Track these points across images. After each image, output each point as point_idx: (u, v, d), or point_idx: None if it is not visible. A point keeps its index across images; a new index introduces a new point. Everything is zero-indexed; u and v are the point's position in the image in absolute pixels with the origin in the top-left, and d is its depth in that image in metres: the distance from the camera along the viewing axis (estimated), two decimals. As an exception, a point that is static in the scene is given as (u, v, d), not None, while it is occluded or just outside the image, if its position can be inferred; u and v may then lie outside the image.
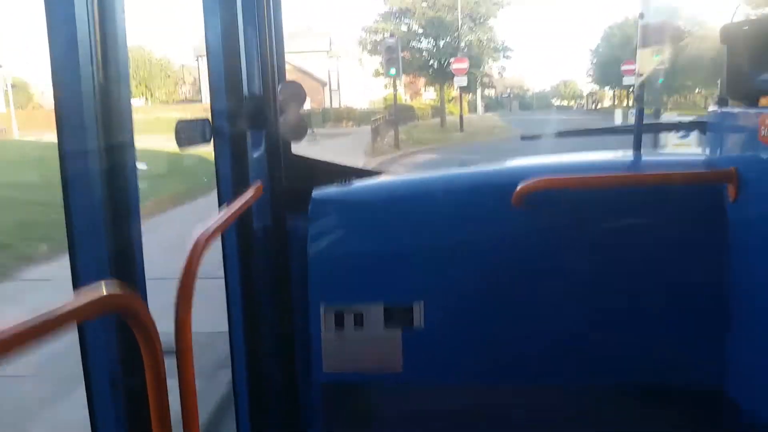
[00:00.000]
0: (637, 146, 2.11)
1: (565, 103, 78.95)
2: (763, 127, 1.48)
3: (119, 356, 1.06)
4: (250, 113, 1.69)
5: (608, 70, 51.89)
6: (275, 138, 1.75)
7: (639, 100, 2.12)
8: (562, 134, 2.30)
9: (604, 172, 1.85)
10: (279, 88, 1.79)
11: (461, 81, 28.66)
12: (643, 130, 2.06)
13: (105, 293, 0.73)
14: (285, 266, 1.79)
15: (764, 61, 1.58)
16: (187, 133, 1.50)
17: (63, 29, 0.99)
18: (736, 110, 1.64)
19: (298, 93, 1.90)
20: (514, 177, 1.75)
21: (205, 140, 1.57)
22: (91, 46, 1.02)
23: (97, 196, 1.04)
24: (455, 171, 2.08)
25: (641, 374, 1.77)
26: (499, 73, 34.41)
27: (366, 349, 1.80)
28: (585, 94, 76.56)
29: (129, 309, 0.81)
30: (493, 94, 63.51)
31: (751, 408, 1.59)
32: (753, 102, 1.58)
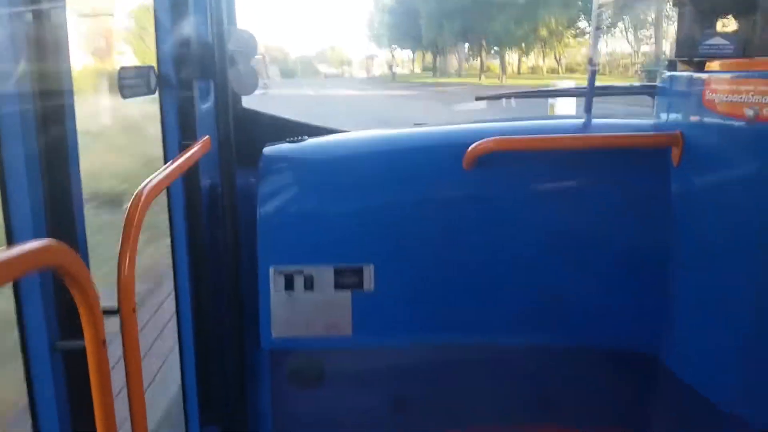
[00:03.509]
0: (588, 109, 2.14)
1: (333, 70, 68.87)
2: (707, 92, 1.52)
3: (58, 316, 1.01)
4: (198, 62, 1.60)
5: (402, 26, 42.82)
6: (225, 89, 1.68)
7: (592, 63, 2.14)
8: (516, 94, 2.31)
9: (555, 135, 1.87)
10: (229, 36, 1.70)
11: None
12: (595, 94, 2.09)
13: (36, 248, 0.68)
14: (234, 225, 1.74)
15: (712, 25, 1.61)
16: (130, 81, 1.42)
17: None
18: (683, 74, 1.67)
19: (249, 42, 1.82)
20: (466, 138, 1.74)
21: (150, 90, 1.48)
22: None
23: (33, 150, 0.97)
24: (409, 131, 2.06)
25: (583, 335, 1.84)
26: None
27: (316, 313, 1.79)
28: (356, 59, 66.44)
29: (63, 265, 0.77)
30: None
31: (685, 374, 1.66)
32: (700, 66, 1.62)
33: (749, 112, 1.38)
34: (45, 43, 0.96)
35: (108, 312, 0.99)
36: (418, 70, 53.34)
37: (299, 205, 1.82)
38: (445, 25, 36.83)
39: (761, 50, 1.50)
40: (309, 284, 1.78)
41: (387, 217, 1.81)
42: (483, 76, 37.92)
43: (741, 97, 1.41)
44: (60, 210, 1.01)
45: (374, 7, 51.81)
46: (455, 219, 1.79)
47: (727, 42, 1.55)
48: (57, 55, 0.98)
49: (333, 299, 1.79)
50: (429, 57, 52.34)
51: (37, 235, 0.97)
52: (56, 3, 0.98)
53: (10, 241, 0.96)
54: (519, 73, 40.17)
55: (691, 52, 1.63)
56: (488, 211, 1.80)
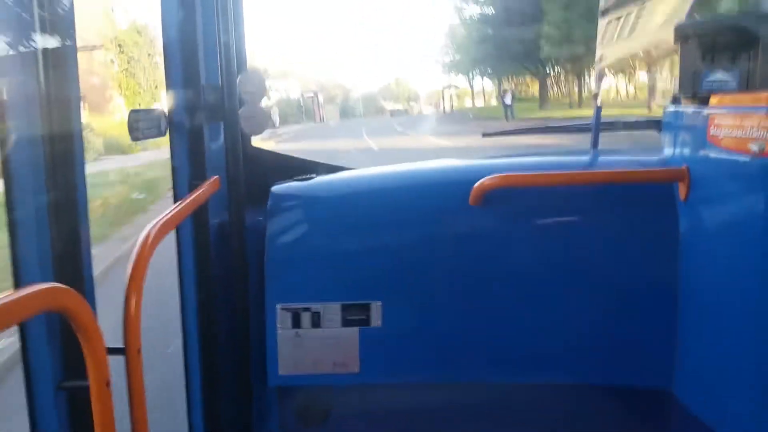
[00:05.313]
0: (595, 144, 2.15)
1: (399, 106, 61.44)
2: (712, 127, 1.52)
3: (63, 356, 1.03)
4: (208, 104, 1.65)
5: (498, 43, 32.86)
6: (234, 130, 1.72)
7: (597, 98, 2.16)
8: (522, 131, 2.33)
9: (561, 170, 1.87)
10: (239, 78, 1.75)
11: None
12: (601, 128, 2.10)
13: (40, 290, 0.70)
14: (242, 264, 1.75)
15: (714, 60, 1.62)
16: (140, 124, 1.46)
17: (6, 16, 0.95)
18: (688, 109, 1.68)
19: (258, 84, 1.87)
20: (473, 175, 1.76)
21: (161, 133, 1.53)
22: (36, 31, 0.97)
23: (42, 194, 1.00)
24: (415, 167, 2.08)
25: (594, 373, 1.80)
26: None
27: (323, 350, 1.79)
28: (423, 93, 58.86)
29: (68, 308, 0.78)
30: (292, 95, 43.73)
31: (699, 409, 1.62)
32: (704, 101, 1.62)
33: (754, 147, 1.38)
34: (54, 89, 0.99)
35: (114, 351, 1.00)
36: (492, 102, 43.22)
37: (307, 243, 1.83)
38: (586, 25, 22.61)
39: (764, 85, 1.50)
40: (316, 321, 1.78)
41: (394, 254, 1.81)
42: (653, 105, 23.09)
43: (745, 132, 1.40)
44: (67, 253, 1.03)
45: (459, 19, 39.59)
46: (462, 255, 1.79)
47: (729, 77, 1.56)
48: (66, 101, 1.01)
49: (340, 336, 1.78)
50: (511, 84, 40.91)
51: (44, 278, 0.99)
52: (66, 41, 1.02)
53: (18, 283, 0.98)
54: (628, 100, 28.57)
55: (694, 87, 1.64)
56: (494, 248, 1.79)
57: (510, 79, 40.56)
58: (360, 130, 26.60)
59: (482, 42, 35.62)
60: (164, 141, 1.61)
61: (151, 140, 1.53)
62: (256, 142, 2.05)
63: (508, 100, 30.03)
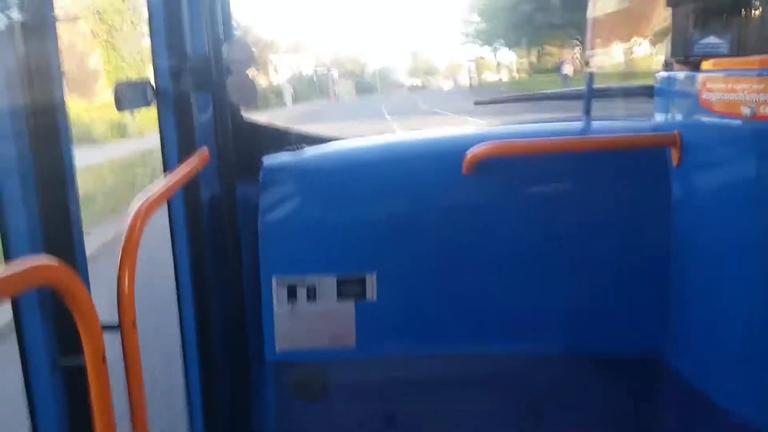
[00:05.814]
0: (587, 111, 2.14)
1: (417, 81, 58.55)
2: (704, 91, 1.52)
3: (58, 333, 1.01)
4: (194, 73, 1.61)
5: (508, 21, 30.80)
6: (223, 101, 1.68)
7: (588, 65, 2.14)
8: (515, 99, 2.31)
9: (554, 138, 1.87)
10: (225, 47, 1.71)
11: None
12: (593, 95, 2.09)
13: (31, 266, 0.68)
14: (235, 237, 1.74)
15: (706, 24, 1.61)
16: (127, 95, 1.43)
17: None
18: (680, 74, 1.67)
19: (246, 53, 1.83)
20: (465, 144, 1.74)
21: (147, 103, 1.49)
22: None
23: (29, 167, 0.97)
24: (408, 137, 2.06)
25: (587, 342, 1.82)
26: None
27: (319, 324, 1.79)
28: (443, 67, 56.34)
29: (59, 282, 0.77)
30: (306, 72, 41.09)
31: (690, 376, 1.64)
32: (696, 66, 1.62)
33: (746, 111, 1.38)
34: (35, 58, 0.96)
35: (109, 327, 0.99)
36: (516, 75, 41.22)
37: (300, 215, 1.82)
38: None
39: (756, 48, 1.49)
40: (312, 294, 1.78)
41: (388, 225, 1.80)
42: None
43: (737, 96, 1.40)
44: (57, 226, 1.01)
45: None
46: (455, 225, 1.79)
47: (721, 41, 1.55)
48: (48, 74, 0.98)
49: (336, 309, 1.78)
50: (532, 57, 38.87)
51: (34, 253, 0.97)
52: (45, 13, 0.98)
53: (7, 258, 0.97)
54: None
55: (686, 51, 1.63)
56: (488, 217, 1.79)
57: (541, 50, 36.96)
58: (379, 107, 23.54)
59: (514, 7, 32.24)
60: (148, 128, 1.57)
61: (133, 129, 1.50)
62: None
63: (566, 71, 25.14)
